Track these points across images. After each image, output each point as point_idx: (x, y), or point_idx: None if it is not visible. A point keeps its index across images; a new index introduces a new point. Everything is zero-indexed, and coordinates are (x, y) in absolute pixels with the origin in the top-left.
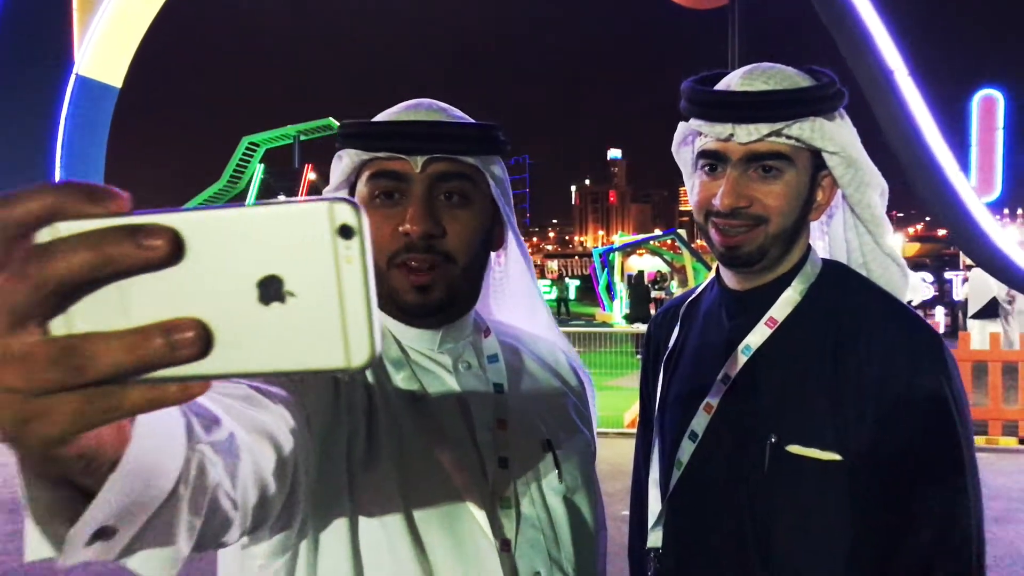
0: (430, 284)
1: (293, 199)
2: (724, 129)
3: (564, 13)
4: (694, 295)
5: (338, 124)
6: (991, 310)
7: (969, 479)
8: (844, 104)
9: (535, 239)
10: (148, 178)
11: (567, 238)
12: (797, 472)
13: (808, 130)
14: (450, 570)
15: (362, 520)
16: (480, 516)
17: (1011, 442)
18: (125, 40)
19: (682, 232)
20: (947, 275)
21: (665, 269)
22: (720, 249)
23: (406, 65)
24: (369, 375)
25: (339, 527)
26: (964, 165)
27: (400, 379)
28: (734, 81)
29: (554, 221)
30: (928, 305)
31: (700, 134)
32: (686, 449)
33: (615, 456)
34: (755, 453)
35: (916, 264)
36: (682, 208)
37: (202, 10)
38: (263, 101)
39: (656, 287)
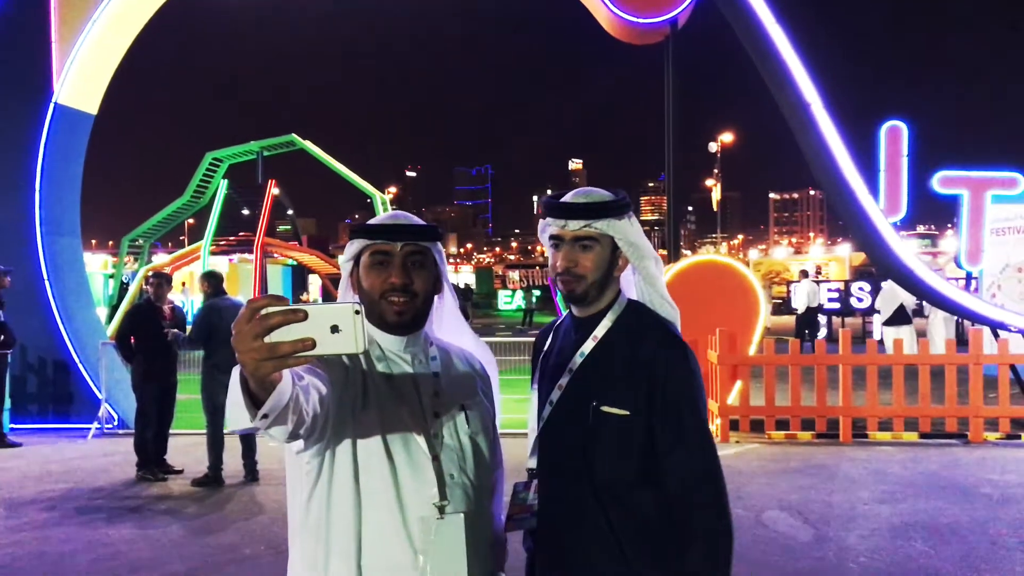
0: (404, 310)
1: (344, 301)
2: (562, 223)
3: (525, 28)
4: (562, 319)
5: (298, 139)
6: (901, 317)
7: (702, 430)
8: (630, 210)
9: (497, 249)
10: (114, 194)
11: (529, 248)
12: (607, 422)
13: (605, 225)
14: (405, 470)
15: (359, 441)
16: (422, 442)
17: (912, 436)
18: (101, 69)
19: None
20: (884, 284)
21: None
22: (564, 293)
23: (369, 76)
24: (364, 363)
25: (346, 444)
26: (873, 188)
27: (381, 366)
28: (569, 197)
29: (516, 231)
30: (866, 312)
31: (550, 225)
32: (547, 410)
33: None
34: (585, 412)
35: (861, 272)
36: (642, 218)
37: (164, 32)
38: (227, 118)
39: None
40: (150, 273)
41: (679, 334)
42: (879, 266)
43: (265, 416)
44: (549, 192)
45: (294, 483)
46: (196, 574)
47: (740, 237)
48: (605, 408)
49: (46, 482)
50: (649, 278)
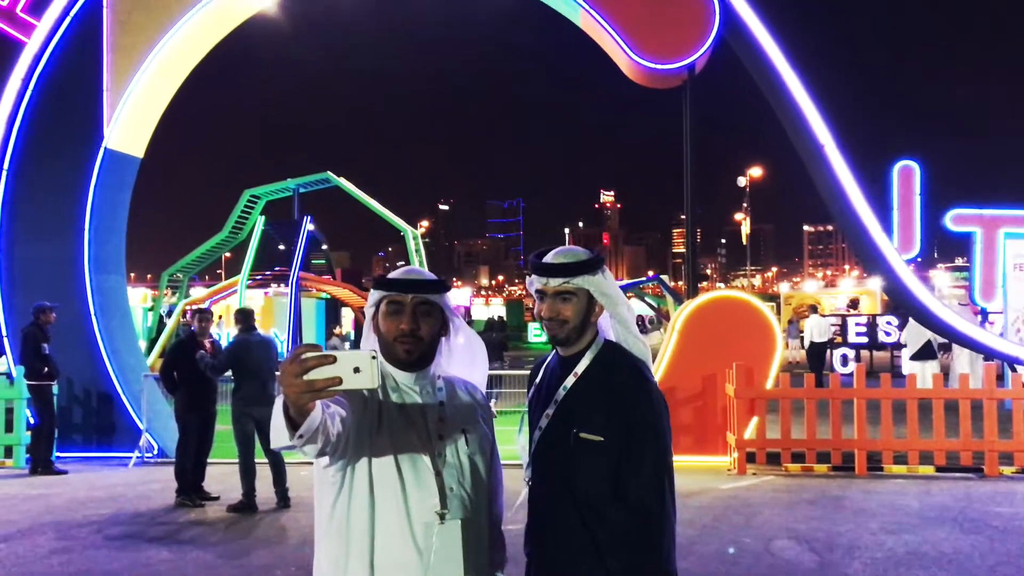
0: (412, 350)
1: (364, 349)
2: (545, 280)
3: (560, 62)
4: (550, 356)
5: (333, 176)
6: (928, 352)
7: (658, 460)
8: (603, 266)
9: None
10: (156, 231)
11: None
12: (585, 446)
13: (581, 281)
14: (412, 482)
15: (374, 459)
16: (427, 460)
17: (928, 470)
18: (149, 115)
19: (665, 277)
20: (911, 319)
21: (648, 313)
22: (549, 336)
23: (403, 111)
24: (380, 393)
25: (363, 461)
26: (887, 227)
27: (395, 396)
28: (550, 256)
29: None
30: (894, 347)
31: (535, 281)
32: (537, 435)
33: None
34: (567, 438)
35: (892, 306)
36: (675, 251)
37: (203, 72)
38: (264, 157)
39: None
40: (194, 308)
41: (647, 372)
42: (894, 300)
43: (300, 436)
44: (581, 225)
45: (321, 493)
46: None
47: (774, 269)
48: (583, 435)
49: (91, 507)
50: (623, 322)
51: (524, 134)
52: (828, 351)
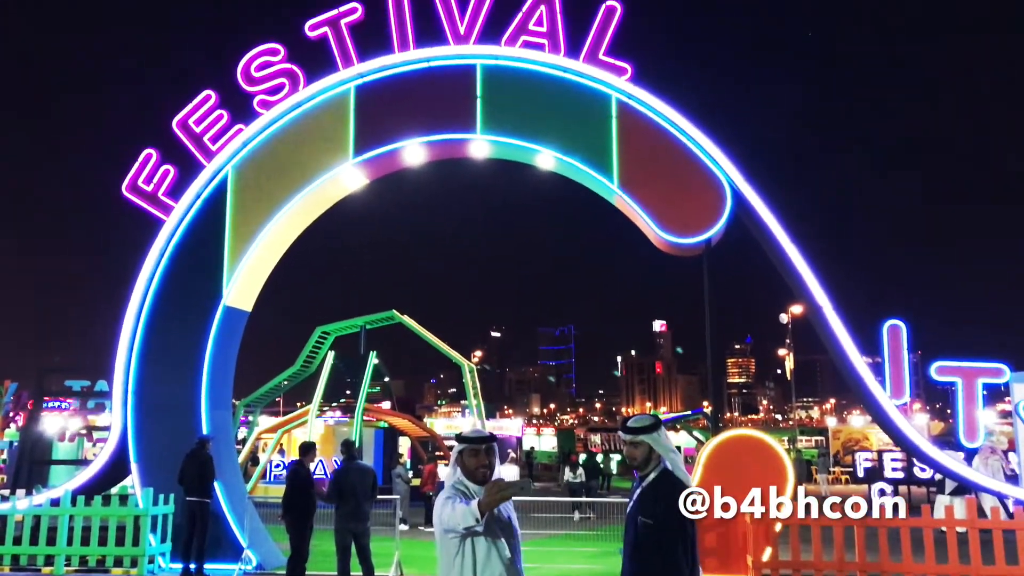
0: (488, 475)
1: (522, 480)
2: (625, 436)
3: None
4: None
5: (397, 314)
6: (959, 488)
7: (682, 528)
8: (660, 427)
9: (581, 410)
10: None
11: (613, 409)
12: (645, 524)
13: (644, 437)
14: (495, 545)
15: (476, 535)
16: (503, 537)
17: None
18: (259, 276)
19: (709, 411)
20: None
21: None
22: (630, 465)
23: (459, 248)
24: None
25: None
26: (880, 376)
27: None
28: (630, 422)
29: (600, 392)
30: (928, 483)
31: (621, 434)
32: (627, 519)
33: None
34: (637, 521)
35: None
36: (730, 380)
37: None
38: (333, 298)
39: None
40: (303, 443)
41: (680, 486)
42: (892, 441)
43: (479, 521)
44: (633, 353)
45: (445, 552)
46: None
47: (832, 401)
48: (642, 519)
49: None
50: (672, 459)
51: (576, 263)
52: None
